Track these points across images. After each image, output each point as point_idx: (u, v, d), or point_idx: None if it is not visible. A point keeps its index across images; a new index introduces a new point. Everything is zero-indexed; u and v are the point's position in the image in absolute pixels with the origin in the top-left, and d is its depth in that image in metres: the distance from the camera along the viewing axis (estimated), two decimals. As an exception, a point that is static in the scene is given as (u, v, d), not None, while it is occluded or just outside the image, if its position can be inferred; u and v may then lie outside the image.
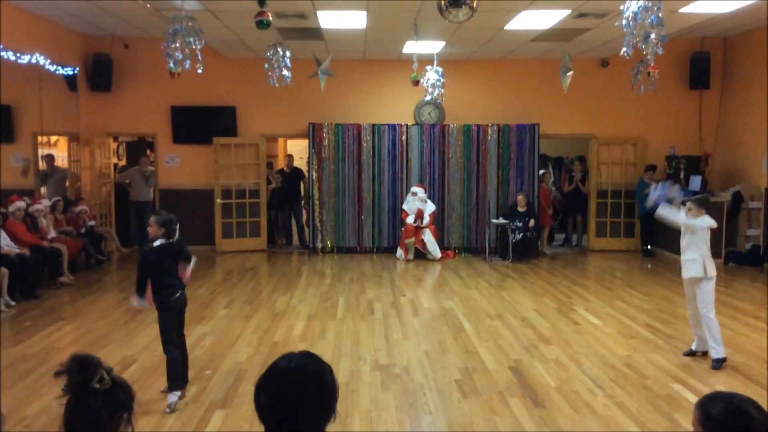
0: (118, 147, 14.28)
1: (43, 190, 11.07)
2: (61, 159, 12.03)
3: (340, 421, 4.54)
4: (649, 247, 12.60)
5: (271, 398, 1.93)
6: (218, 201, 12.82)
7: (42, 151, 11.24)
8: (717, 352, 6.02)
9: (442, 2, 5.42)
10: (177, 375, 5.19)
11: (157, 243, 5.26)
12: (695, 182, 12.07)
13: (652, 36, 6.13)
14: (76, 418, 1.94)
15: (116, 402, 1.98)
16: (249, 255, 12.60)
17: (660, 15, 6.04)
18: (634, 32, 6.12)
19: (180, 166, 13.15)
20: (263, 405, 1.94)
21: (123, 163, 14.41)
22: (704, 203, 6.32)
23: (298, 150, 16.12)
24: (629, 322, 7.67)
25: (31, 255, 8.96)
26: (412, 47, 10.96)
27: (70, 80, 11.58)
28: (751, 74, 11.90)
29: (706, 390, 5.18)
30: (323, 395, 1.94)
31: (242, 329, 7.37)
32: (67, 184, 11.73)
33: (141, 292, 5.25)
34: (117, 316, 7.96)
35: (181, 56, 7.19)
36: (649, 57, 6.37)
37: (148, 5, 8.93)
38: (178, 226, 5.37)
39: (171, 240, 5.28)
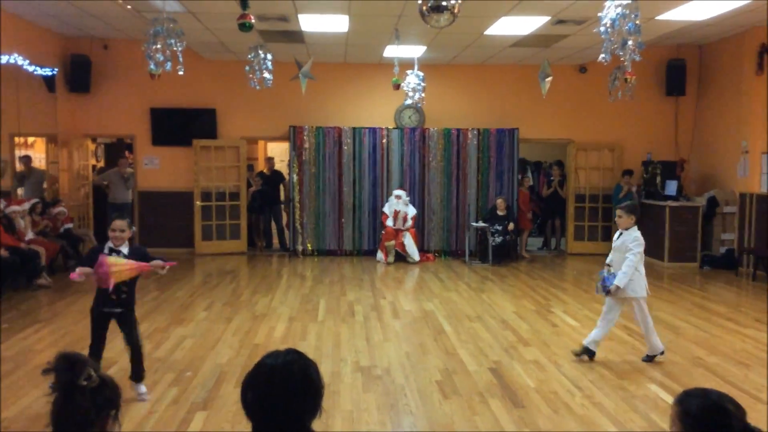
0: (96, 148, 14.19)
1: (19, 191, 10.96)
2: (39, 160, 11.93)
3: (322, 422, 4.56)
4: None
5: (258, 395, 1.96)
6: (198, 203, 12.77)
7: (19, 152, 11.13)
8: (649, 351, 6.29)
9: (424, 7, 5.46)
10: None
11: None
12: (671, 187, 12.26)
13: (630, 43, 6.23)
14: (64, 415, 1.96)
15: (104, 399, 2.00)
16: (229, 257, 12.56)
17: (637, 22, 6.15)
18: (612, 39, 6.23)
19: (159, 168, 13.08)
20: (250, 402, 1.98)
21: (101, 164, 14.32)
22: (633, 210, 6.33)
23: (278, 152, 16.12)
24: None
25: (8, 257, 8.87)
26: (393, 51, 11.00)
27: (49, 81, 11.46)
28: (726, 81, 12.13)
29: (681, 390, 5.28)
30: (309, 392, 1.98)
31: (223, 331, 7.36)
32: (45, 185, 11.62)
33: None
34: (96, 319, 7.89)
35: (161, 58, 7.16)
36: (626, 63, 6.47)
37: (129, 6, 8.89)
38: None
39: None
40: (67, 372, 1.96)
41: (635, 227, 6.28)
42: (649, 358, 6.34)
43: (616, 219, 6.38)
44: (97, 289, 5.26)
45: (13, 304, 8.48)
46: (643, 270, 6.30)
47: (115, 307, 5.32)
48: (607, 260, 6.48)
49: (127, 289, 5.34)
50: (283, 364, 1.99)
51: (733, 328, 7.67)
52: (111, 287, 5.02)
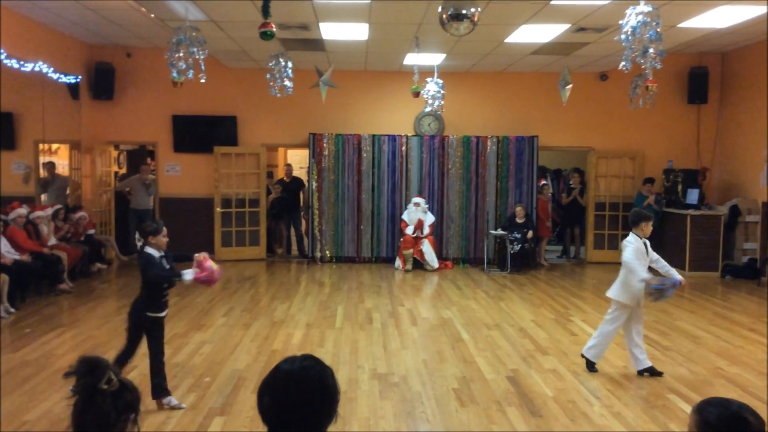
0: (118, 155, 14.34)
1: (43, 197, 11.11)
2: (62, 167, 12.09)
3: (338, 428, 4.57)
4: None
5: (274, 400, 1.98)
6: (218, 210, 12.87)
7: (43, 159, 11.30)
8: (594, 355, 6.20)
9: (444, 16, 5.49)
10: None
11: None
12: (693, 196, 12.14)
13: (651, 50, 6.21)
14: (85, 418, 1.99)
15: (124, 403, 2.03)
16: (248, 264, 12.63)
17: (659, 30, 6.13)
18: (632, 47, 6.20)
19: (180, 175, 13.21)
20: (266, 407, 2.00)
21: (123, 171, 14.47)
22: (635, 219, 6.23)
23: (297, 159, 16.19)
24: (626, 334, 7.70)
25: (31, 262, 9.00)
26: (412, 59, 11.04)
27: (73, 88, 11.66)
28: (749, 89, 12.01)
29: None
30: (325, 397, 1.99)
31: (241, 337, 7.40)
32: (68, 191, 11.78)
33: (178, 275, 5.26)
34: (117, 323, 7.97)
35: (184, 66, 7.27)
36: (647, 71, 6.45)
37: (152, 15, 9.01)
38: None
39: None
40: (89, 375, 1.99)
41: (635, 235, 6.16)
42: (589, 365, 6.22)
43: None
44: (148, 292, 5.27)
45: (35, 309, 8.61)
46: (631, 279, 6.04)
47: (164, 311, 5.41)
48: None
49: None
50: (300, 369, 2.01)
51: (755, 338, 7.58)
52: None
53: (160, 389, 5.28)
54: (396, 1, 8.24)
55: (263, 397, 2.00)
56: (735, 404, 2.16)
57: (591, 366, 6.25)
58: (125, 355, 5.29)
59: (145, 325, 5.30)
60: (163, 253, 5.32)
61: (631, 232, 6.22)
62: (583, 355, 6.34)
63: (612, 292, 6.19)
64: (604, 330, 6.26)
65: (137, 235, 5.42)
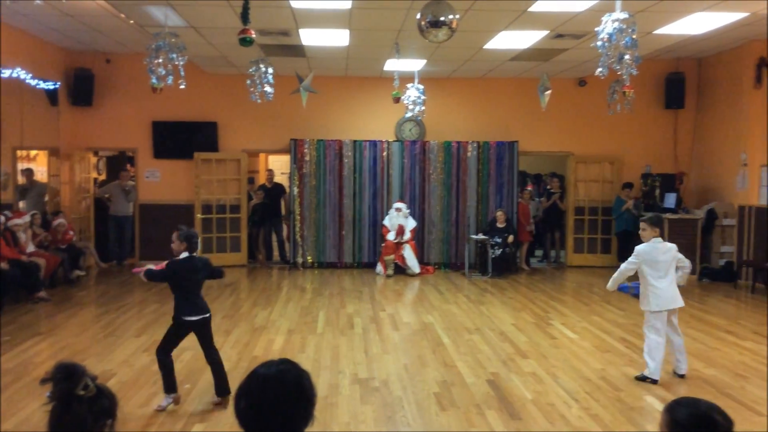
0: (98, 161, 14.26)
1: (21, 204, 11.01)
2: (40, 173, 12.00)
3: (319, 433, 4.59)
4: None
5: (251, 404, 1.99)
6: (198, 216, 12.82)
7: (21, 165, 11.20)
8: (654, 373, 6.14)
9: (423, 23, 5.54)
10: (166, 379, 5.42)
11: (182, 257, 5.37)
12: (670, 200, 12.30)
13: (627, 57, 6.29)
14: (62, 424, 1.99)
15: (101, 409, 2.03)
16: (229, 270, 12.46)
17: (634, 37, 6.21)
18: (609, 53, 6.29)
19: (160, 181, 13.15)
20: (243, 410, 2.01)
21: (103, 177, 14.39)
22: (656, 222, 6.26)
23: (279, 165, 16.18)
24: (605, 337, 7.79)
25: (9, 269, 8.92)
26: (393, 65, 11.10)
27: (51, 94, 11.57)
28: (725, 94, 12.20)
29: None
30: (302, 400, 2.01)
31: (222, 343, 7.35)
32: (46, 198, 11.68)
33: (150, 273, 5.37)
34: (95, 331, 7.94)
35: (163, 72, 7.25)
36: (624, 77, 6.54)
37: (131, 21, 8.99)
38: (199, 240, 5.53)
39: (194, 254, 5.40)
40: (65, 381, 2.00)
41: (655, 239, 6.17)
42: (642, 377, 6.18)
43: (640, 232, 6.32)
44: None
45: (13, 317, 8.52)
46: (656, 285, 6.09)
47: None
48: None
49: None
50: (276, 373, 2.03)
51: (732, 340, 7.68)
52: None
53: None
54: (376, 9, 8.30)
55: (240, 401, 2.02)
56: (704, 404, 2.20)
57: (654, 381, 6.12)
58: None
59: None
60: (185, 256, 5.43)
61: (656, 238, 6.21)
62: (644, 378, 6.17)
63: (645, 305, 6.19)
64: (647, 345, 6.18)
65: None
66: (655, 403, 5.54)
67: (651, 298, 6.14)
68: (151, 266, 5.45)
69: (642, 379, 6.15)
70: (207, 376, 6.17)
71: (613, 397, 5.69)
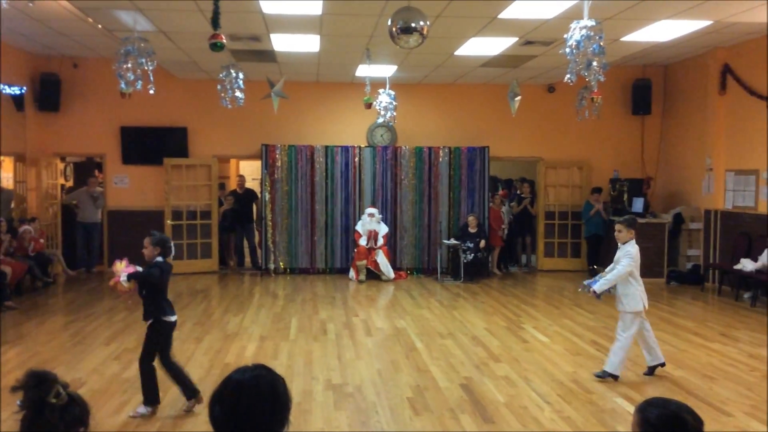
0: (65, 167, 14.06)
1: (-15, 211, 10.80)
2: (6, 180, 11.78)
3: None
4: (595, 266, 12.85)
5: (226, 410, 1.99)
6: (168, 222, 12.68)
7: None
8: (616, 369, 6.27)
9: (394, 29, 5.57)
10: (151, 390, 5.37)
11: (158, 260, 5.35)
12: (638, 204, 12.49)
13: (594, 64, 6.39)
14: (33, 432, 1.96)
15: (72, 417, 2.01)
16: (200, 276, 12.48)
17: (602, 44, 6.31)
18: (577, 60, 6.39)
19: (129, 187, 13.00)
20: (218, 417, 2.00)
21: (70, 184, 14.19)
22: (633, 224, 6.38)
23: (250, 171, 16.09)
24: (576, 340, 7.88)
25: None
26: (364, 71, 11.11)
27: (17, 100, 11.36)
28: (690, 100, 12.43)
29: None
30: (277, 405, 2.00)
31: (193, 351, 7.31)
32: (13, 205, 11.47)
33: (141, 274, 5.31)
34: (64, 339, 7.81)
35: (132, 77, 7.20)
36: (592, 84, 6.64)
37: (100, 26, 8.88)
38: (172, 245, 5.54)
39: (166, 259, 5.39)
40: (36, 389, 1.97)
41: (632, 241, 6.30)
42: (603, 374, 6.30)
43: (616, 233, 6.43)
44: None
45: (-22, 326, 8.35)
46: (636, 286, 6.27)
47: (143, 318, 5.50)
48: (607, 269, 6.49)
49: (144, 299, 5.42)
50: (251, 378, 2.02)
51: (700, 342, 7.82)
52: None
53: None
54: (347, 15, 8.31)
55: (214, 407, 2.01)
56: (674, 404, 2.25)
57: (615, 377, 6.27)
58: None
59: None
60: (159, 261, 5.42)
61: (633, 241, 6.31)
62: (605, 374, 6.29)
63: (627, 306, 6.28)
64: (620, 343, 6.28)
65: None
66: (625, 405, 5.61)
67: (640, 297, 6.27)
68: (131, 266, 5.33)
69: (603, 376, 6.26)
70: (178, 384, 6.12)
71: (584, 400, 5.75)
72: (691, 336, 8.11)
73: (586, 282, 6.44)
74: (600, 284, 6.32)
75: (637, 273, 6.30)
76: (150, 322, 5.42)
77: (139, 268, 5.35)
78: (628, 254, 6.26)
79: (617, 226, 6.39)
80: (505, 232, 13.38)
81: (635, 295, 6.27)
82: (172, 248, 5.55)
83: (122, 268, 5.29)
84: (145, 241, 5.41)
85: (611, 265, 6.46)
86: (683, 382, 6.27)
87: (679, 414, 2.21)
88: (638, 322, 6.30)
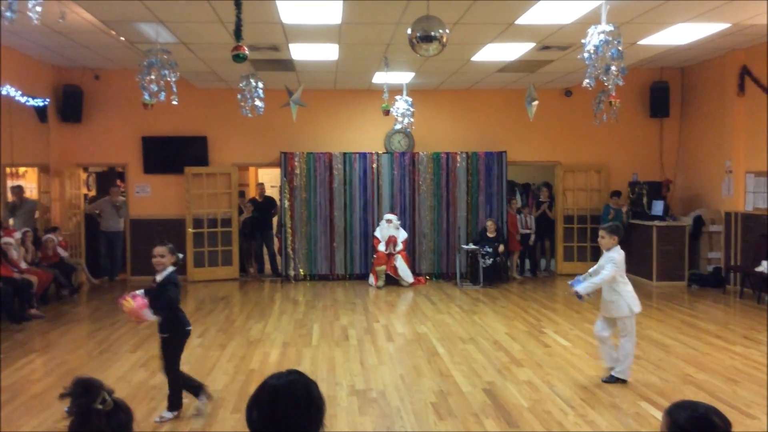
0: (87, 177, 14.24)
1: (11, 221, 10.98)
2: (30, 190, 11.97)
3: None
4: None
5: (263, 414, 2.06)
6: (190, 230, 12.83)
7: (11, 183, 11.18)
8: (625, 373, 6.31)
9: (414, 38, 5.64)
10: (178, 397, 5.50)
11: (170, 270, 5.45)
12: (657, 207, 12.44)
13: (613, 68, 6.42)
14: (80, 438, 2.04)
15: (118, 422, 2.09)
16: (221, 284, 12.60)
17: (620, 48, 6.34)
18: (595, 65, 6.42)
19: (151, 196, 13.16)
20: (256, 421, 2.07)
21: (93, 193, 14.37)
22: (615, 231, 6.38)
23: (269, 178, 16.22)
24: (597, 344, 7.86)
25: (2, 287, 8.90)
26: (382, 77, 11.21)
27: (41, 111, 11.56)
28: (708, 102, 12.39)
29: (672, 407, 5.37)
30: (312, 409, 2.08)
31: (218, 358, 7.41)
32: (37, 215, 11.66)
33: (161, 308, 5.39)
34: (90, 348, 7.93)
35: (156, 88, 7.31)
36: (610, 88, 6.67)
37: (122, 38, 9.03)
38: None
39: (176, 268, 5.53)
40: (84, 396, 2.05)
41: (617, 247, 6.35)
42: (610, 379, 6.34)
43: (599, 240, 6.48)
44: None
45: (7, 335, 8.50)
46: (625, 290, 6.31)
47: (159, 331, 5.54)
48: (590, 270, 6.55)
49: (161, 314, 5.43)
50: (286, 383, 2.09)
51: (722, 345, 7.79)
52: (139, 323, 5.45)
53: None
54: (365, 24, 8.40)
55: (252, 412, 2.08)
56: (703, 407, 2.29)
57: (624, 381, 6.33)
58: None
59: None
60: (156, 274, 5.49)
61: (617, 247, 6.34)
62: (612, 378, 6.35)
63: (618, 312, 6.31)
64: (622, 348, 6.34)
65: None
66: (649, 409, 5.62)
67: (630, 301, 6.30)
68: (139, 297, 5.32)
69: (612, 381, 6.30)
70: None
71: (608, 404, 5.77)
72: (714, 339, 8.08)
73: (570, 282, 6.48)
74: (584, 286, 6.34)
75: (623, 277, 6.32)
76: (168, 334, 5.47)
77: (141, 293, 5.32)
78: (611, 260, 6.28)
79: (600, 233, 6.43)
80: (533, 237, 13.34)
81: (620, 301, 6.29)
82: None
83: (136, 305, 5.26)
84: (161, 250, 5.44)
85: (594, 268, 6.48)
86: (706, 385, 6.26)
87: (707, 416, 2.25)
88: (633, 324, 6.37)
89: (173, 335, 5.51)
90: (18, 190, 11.28)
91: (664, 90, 13.16)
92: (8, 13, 4.13)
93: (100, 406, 2.04)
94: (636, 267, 12.50)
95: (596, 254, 13.30)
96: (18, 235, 10.13)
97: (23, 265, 9.93)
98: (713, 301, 10.60)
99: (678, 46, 10.42)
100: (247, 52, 6.13)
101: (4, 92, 10.16)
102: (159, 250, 5.46)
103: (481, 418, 5.44)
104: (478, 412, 5.58)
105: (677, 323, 8.99)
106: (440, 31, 5.60)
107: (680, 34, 9.43)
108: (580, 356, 7.34)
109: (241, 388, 6.29)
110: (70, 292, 11.04)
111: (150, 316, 5.32)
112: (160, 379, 6.55)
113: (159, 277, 5.46)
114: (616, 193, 12.89)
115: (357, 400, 5.95)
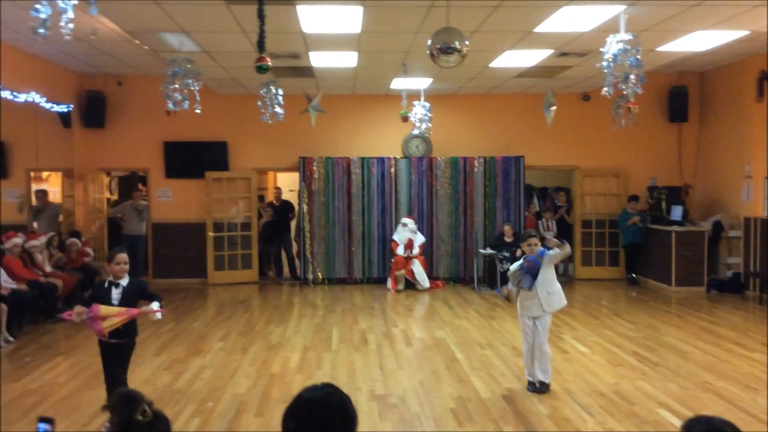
0: (110, 182, 14.45)
1: (35, 225, 11.18)
2: (54, 194, 12.18)
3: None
4: (633, 275, 12.90)
5: (299, 426, 2.15)
6: (210, 234, 12.99)
7: (35, 187, 11.39)
8: (548, 377, 6.37)
9: (434, 49, 5.72)
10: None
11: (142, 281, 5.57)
12: (676, 212, 12.42)
13: (632, 77, 6.48)
14: (122, 449, 2.14)
15: (157, 433, 2.19)
16: (241, 287, 12.75)
17: (639, 57, 6.39)
18: (614, 73, 6.47)
19: (172, 200, 13.33)
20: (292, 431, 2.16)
21: (115, 197, 14.57)
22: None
23: (287, 182, 16.35)
24: (616, 350, 7.90)
25: (27, 291, 9.08)
26: (400, 83, 11.30)
27: (65, 117, 11.78)
28: (727, 107, 12.35)
29: (690, 415, 5.39)
30: (346, 421, 2.17)
31: (239, 361, 7.52)
32: (60, 219, 11.86)
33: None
34: (115, 351, 8.06)
35: (180, 97, 7.46)
36: (629, 96, 6.72)
37: (146, 47, 9.19)
38: None
39: None
40: (125, 408, 2.15)
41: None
42: (546, 387, 6.34)
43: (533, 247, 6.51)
44: None
45: (34, 338, 8.68)
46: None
47: (111, 337, 5.39)
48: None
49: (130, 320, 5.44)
50: (322, 396, 2.19)
51: (741, 352, 7.79)
52: (106, 336, 5.29)
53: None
54: (385, 32, 8.49)
55: (289, 423, 2.17)
56: (718, 421, 2.35)
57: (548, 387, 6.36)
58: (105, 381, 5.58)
59: (102, 351, 5.58)
60: (111, 280, 5.45)
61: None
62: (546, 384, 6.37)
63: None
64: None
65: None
66: (669, 417, 5.65)
67: (558, 298, 6.46)
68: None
69: (543, 390, 6.30)
70: (228, 394, 6.33)
71: (627, 411, 5.80)
72: (733, 346, 8.08)
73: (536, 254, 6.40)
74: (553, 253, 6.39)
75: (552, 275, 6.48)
76: (125, 341, 5.45)
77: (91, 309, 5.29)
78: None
79: (534, 240, 6.50)
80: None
81: (560, 292, 6.45)
82: None
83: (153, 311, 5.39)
84: (124, 256, 5.46)
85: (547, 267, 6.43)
86: (725, 393, 6.27)
87: (723, 430, 2.31)
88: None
89: (130, 342, 5.53)
90: (42, 194, 11.49)
91: (682, 94, 13.14)
92: (41, 30, 4.25)
93: (140, 418, 2.14)
94: (655, 272, 12.50)
95: (614, 259, 13.40)
96: (43, 239, 10.32)
97: (48, 269, 10.12)
98: (732, 307, 10.57)
99: (696, 53, 10.41)
100: (269, 63, 6.24)
101: (29, 99, 10.36)
102: (124, 257, 5.46)
103: (500, 425, 5.50)
104: (497, 419, 5.64)
105: (696, 329, 8.99)
106: (460, 42, 5.68)
107: (699, 41, 9.43)
108: (598, 363, 7.36)
109: (263, 392, 6.39)
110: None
111: (159, 313, 5.41)
112: (185, 383, 6.70)
113: (124, 282, 5.43)
114: (634, 198, 12.88)
115: (377, 405, 6.04)
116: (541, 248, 6.51)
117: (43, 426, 2.12)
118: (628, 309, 10.53)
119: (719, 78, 12.67)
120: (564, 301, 6.50)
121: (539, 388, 6.29)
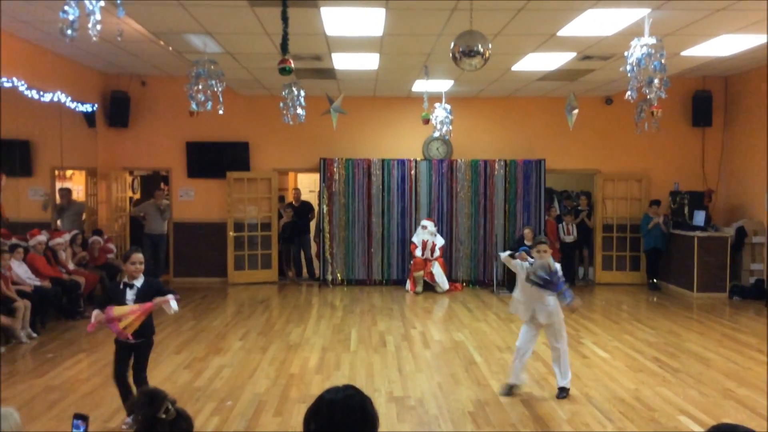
0: (132, 181, 14.59)
1: (58, 222, 11.32)
2: (77, 192, 12.33)
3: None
4: (654, 280, 12.80)
5: (320, 428, 2.17)
6: (231, 234, 13.08)
7: (59, 185, 11.53)
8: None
9: (456, 52, 5.72)
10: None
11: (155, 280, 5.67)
12: (699, 217, 12.30)
13: (656, 81, 6.43)
14: (146, 446, 2.18)
15: (179, 430, 2.22)
16: (260, 287, 12.82)
17: (663, 61, 6.34)
18: (638, 77, 6.43)
19: (194, 200, 13.44)
20: (314, 432, 2.19)
21: (137, 196, 14.72)
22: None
23: (307, 183, 16.42)
24: (637, 356, 7.85)
25: (51, 288, 9.21)
26: (421, 86, 11.29)
27: (89, 116, 11.92)
28: (752, 112, 12.21)
29: (711, 422, 5.35)
30: (367, 423, 2.19)
31: (259, 361, 7.57)
32: (83, 217, 12.00)
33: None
34: (136, 348, 8.15)
35: (203, 98, 7.52)
36: (652, 100, 6.67)
37: (171, 48, 9.28)
38: None
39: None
40: (149, 406, 2.19)
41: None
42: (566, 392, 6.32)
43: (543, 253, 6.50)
44: None
45: (56, 334, 8.80)
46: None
47: (135, 337, 5.44)
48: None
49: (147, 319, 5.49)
50: (343, 398, 2.21)
51: (764, 359, 7.70)
52: (130, 338, 5.33)
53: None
54: (407, 35, 8.50)
55: (310, 424, 2.19)
56: (741, 430, 2.33)
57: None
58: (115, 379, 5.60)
59: (117, 351, 5.66)
60: (126, 281, 5.50)
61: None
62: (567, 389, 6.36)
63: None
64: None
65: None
66: (689, 423, 5.61)
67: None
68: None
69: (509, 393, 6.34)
70: (247, 393, 6.37)
71: (647, 418, 5.76)
72: (755, 353, 7.99)
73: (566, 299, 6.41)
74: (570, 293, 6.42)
75: None
76: (143, 340, 5.49)
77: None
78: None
79: (543, 246, 6.49)
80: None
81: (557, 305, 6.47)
82: None
83: (168, 301, 5.37)
84: (140, 256, 5.49)
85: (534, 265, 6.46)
86: (747, 401, 6.21)
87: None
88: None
89: (147, 341, 5.59)
90: (66, 193, 11.63)
91: (706, 99, 13.01)
92: (69, 31, 4.31)
93: (163, 416, 2.18)
94: (676, 278, 12.39)
95: (635, 263, 13.29)
96: (67, 236, 10.45)
97: (71, 266, 10.24)
98: (755, 314, 10.45)
99: (720, 58, 10.30)
100: (293, 65, 6.27)
101: (55, 98, 10.50)
102: (140, 257, 5.49)
103: (519, 429, 5.49)
104: (516, 423, 5.63)
105: (718, 336, 8.90)
106: (483, 45, 5.68)
107: (723, 46, 9.33)
108: (618, 368, 7.31)
109: (282, 392, 6.43)
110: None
111: (174, 306, 5.39)
112: (204, 381, 6.76)
113: (139, 282, 5.47)
114: (656, 202, 12.77)
115: (395, 407, 6.05)
116: (566, 288, 6.45)
117: (78, 423, 2.16)
118: (649, 314, 10.44)
119: (744, 83, 12.53)
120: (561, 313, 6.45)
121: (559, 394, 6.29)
